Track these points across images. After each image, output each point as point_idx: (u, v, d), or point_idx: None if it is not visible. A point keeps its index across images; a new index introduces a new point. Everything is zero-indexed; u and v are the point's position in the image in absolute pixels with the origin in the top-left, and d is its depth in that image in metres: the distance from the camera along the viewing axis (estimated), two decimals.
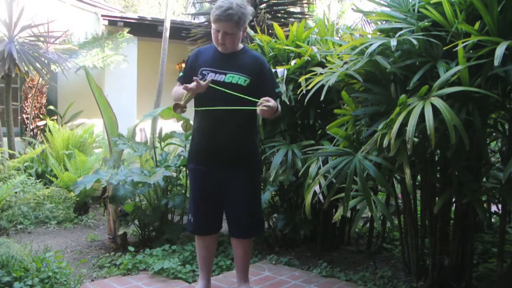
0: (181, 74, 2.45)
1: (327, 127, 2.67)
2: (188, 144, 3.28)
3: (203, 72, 2.30)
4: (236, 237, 2.43)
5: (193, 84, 2.17)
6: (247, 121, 2.37)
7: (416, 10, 2.26)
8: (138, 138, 4.13)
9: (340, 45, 2.72)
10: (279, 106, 2.30)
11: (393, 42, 2.11)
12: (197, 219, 2.42)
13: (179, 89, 2.33)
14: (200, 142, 2.37)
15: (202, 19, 7.28)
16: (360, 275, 2.78)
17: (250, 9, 2.28)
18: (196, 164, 2.40)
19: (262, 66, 2.35)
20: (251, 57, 2.36)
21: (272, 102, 2.13)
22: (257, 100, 2.16)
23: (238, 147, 2.33)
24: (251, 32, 3.70)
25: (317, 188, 2.52)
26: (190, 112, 2.42)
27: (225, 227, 2.48)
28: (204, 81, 2.20)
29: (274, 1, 6.15)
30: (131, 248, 3.18)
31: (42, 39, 5.97)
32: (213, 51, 2.36)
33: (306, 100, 2.74)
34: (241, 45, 2.38)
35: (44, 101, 6.85)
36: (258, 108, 2.13)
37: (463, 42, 1.93)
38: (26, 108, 6.74)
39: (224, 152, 2.32)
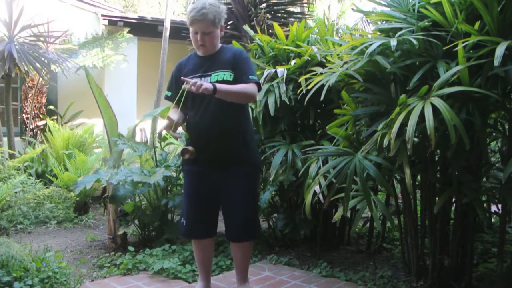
0: (168, 93, 2.47)
1: (327, 127, 2.67)
2: None
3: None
4: (232, 240, 2.41)
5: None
6: (240, 121, 2.36)
7: (416, 10, 2.26)
8: (138, 138, 4.13)
9: (340, 45, 2.72)
10: (251, 89, 2.26)
11: (393, 42, 2.11)
12: (190, 222, 2.39)
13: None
14: (194, 143, 2.36)
15: None
16: (360, 275, 2.78)
17: (223, 8, 2.31)
18: (191, 165, 2.39)
19: (239, 56, 2.34)
20: (230, 52, 2.36)
21: (198, 83, 2.08)
22: None
23: (231, 147, 2.31)
24: (251, 32, 3.70)
25: (317, 188, 2.52)
26: None
27: (222, 227, 2.47)
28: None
29: (274, 1, 6.15)
30: (131, 248, 3.18)
31: (42, 39, 5.98)
32: (194, 58, 2.39)
33: (306, 100, 2.74)
34: (219, 45, 2.38)
35: (44, 101, 6.85)
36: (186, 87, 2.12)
37: (463, 42, 1.92)
38: (26, 108, 6.74)
39: (218, 153, 2.31)
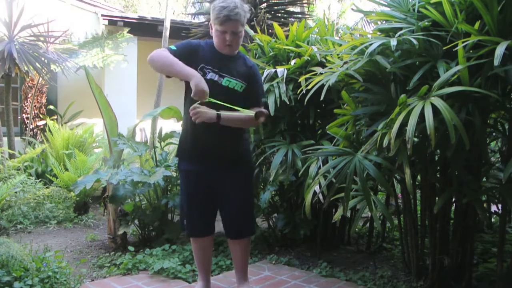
0: (174, 48, 2.22)
1: (327, 127, 2.67)
2: None
3: (204, 69, 2.24)
4: (231, 237, 2.43)
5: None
6: None
7: (416, 10, 2.26)
8: (138, 138, 4.14)
9: (340, 45, 2.72)
10: (265, 112, 2.33)
11: (393, 42, 2.11)
12: (192, 220, 2.40)
13: (172, 60, 2.15)
14: (196, 141, 2.33)
15: (202, 18, 7.29)
16: (360, 275, 2.78)
17: (247, 7, 2.30)
18: (190, 164, 2.37)
19: (255, 74, 2.36)
20: (246, 64, 2.35)
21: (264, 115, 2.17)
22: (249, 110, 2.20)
23: (232, 146, 2.33)
24: (251, 32, 3.70)
25: (317, 188, 2.52)
26: None
27: (221, 227, 2.48)
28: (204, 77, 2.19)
29: (274, 1, 6.15)
30: (131, 248, 3.18)
31: (42, 38, 5.98)
32: (213, 50, 2.30)
33: (306, 100, 2.74)
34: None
35: (44, 100, 6.86)
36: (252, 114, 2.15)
37: (463, 42, 1.92)
38: (26, 108, 6.75)
39: (219, 152, 2.31)
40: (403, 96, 2.00)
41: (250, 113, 2.16)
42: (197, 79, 2.09)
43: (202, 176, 2.35)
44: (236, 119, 2.22)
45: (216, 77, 2.24)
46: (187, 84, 2.24)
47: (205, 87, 2.08)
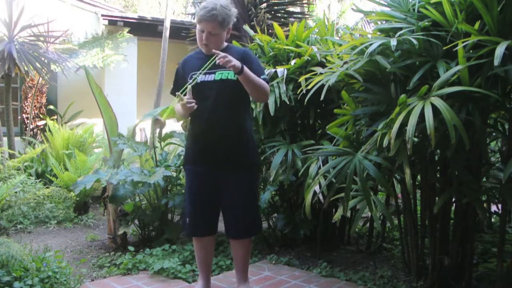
0: (172, 88, 2.48)
1: (327, 127, 2.67)
2: None
3: (193, 76, 2.31)
4: (234, 237, 2.42)
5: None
6: (245, 121, 2.38)
7: (416, 10, 2.26)
8: (138, 138, 4.13)
9: (340, 45, 2.72)
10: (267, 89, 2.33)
11: (393, 42, 2.11)
12: (195, 220, 2.41)
13: (178, 106, 2.39)
14: (197, 142, 2.36)
15: None
16: (360, 275, 2.78)
17: (234, 11, 2.31)
18: (194, 164, 2.40)
19: (248, 56, 2.36)
20: (237, 52, 2.36)
21: (228, 57, 2.11)
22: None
23: (235, 145, 2.33)
24: (251, 32, 3.70)
25: (317, 188, 2.52)
26: None
27: (221, 227, 2.48)
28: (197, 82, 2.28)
29: (274, 1, 6.16)
30: (131, 248, 3.18)
31: (42, 38, 5.97)
32: (199, 55, 2.39)
33: (306, 100, 2.74)
34: (225, 43, 2.39)
35: (44, 100, 6.85)
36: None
37: (463, 42, 1.93)
38: (26, 108, 6.75)
39: (222, 151, 2.31)
40: (403, 96, 2.00)
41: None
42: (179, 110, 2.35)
43: (206, 176, 2.36)
44: (254, 79, 2.22)
45: (205, 77, 2.29)
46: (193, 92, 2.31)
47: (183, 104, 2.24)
